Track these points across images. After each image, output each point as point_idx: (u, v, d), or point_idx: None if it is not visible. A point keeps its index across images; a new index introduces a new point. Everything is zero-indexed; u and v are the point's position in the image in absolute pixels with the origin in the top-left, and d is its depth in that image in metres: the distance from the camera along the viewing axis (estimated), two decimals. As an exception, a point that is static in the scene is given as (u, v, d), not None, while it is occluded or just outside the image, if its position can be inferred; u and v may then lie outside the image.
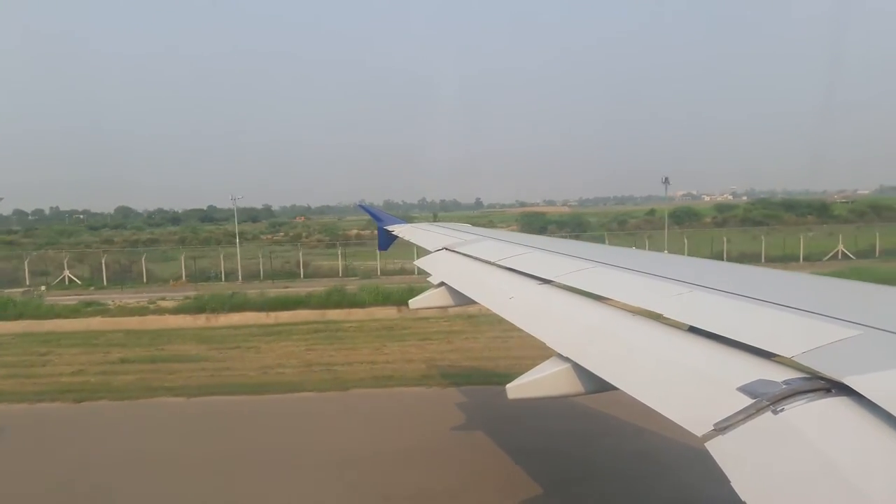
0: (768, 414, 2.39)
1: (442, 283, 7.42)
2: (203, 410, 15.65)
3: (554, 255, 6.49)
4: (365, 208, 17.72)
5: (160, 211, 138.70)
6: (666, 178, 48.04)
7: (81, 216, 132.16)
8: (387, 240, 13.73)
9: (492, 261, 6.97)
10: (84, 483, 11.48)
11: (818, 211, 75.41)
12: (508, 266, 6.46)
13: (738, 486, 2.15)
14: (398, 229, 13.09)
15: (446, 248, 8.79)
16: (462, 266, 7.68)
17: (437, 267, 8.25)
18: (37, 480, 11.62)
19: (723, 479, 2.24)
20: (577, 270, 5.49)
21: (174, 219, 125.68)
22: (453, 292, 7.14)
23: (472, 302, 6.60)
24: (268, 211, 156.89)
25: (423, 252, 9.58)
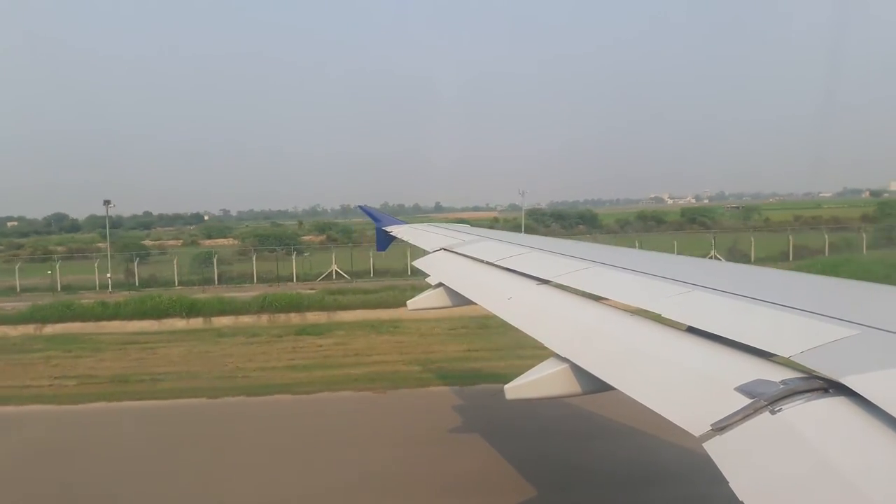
0: (766, 414, 2.39)
1: (440, 284, 7.41)
2: None
3: (553, 256, 6.48)
4: (364, 209, 17.70)
5: (93, 217, 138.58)
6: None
7: (16, 222, 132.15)
8: (385, 240, 13.72)
9: (490, 261, 6.96)
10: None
11: (588, 221, 79.62)
12: (507, 266, 6.45)
13: (736, 486, 2.14)
14: (396, 230, 13.08)
15: (444, 249, 8.78)
16: (460, 267, 7.67)
17: (434, 267, 8.23)
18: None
19: (721, 480, 2.23)
20: (575, 270, 5.48)
21: (77, 226, 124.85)
22: (451, 293, 7.12)
23: (471, 302, 6.59)
24: (209, 217, 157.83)
25: (421, 252, 9.56)
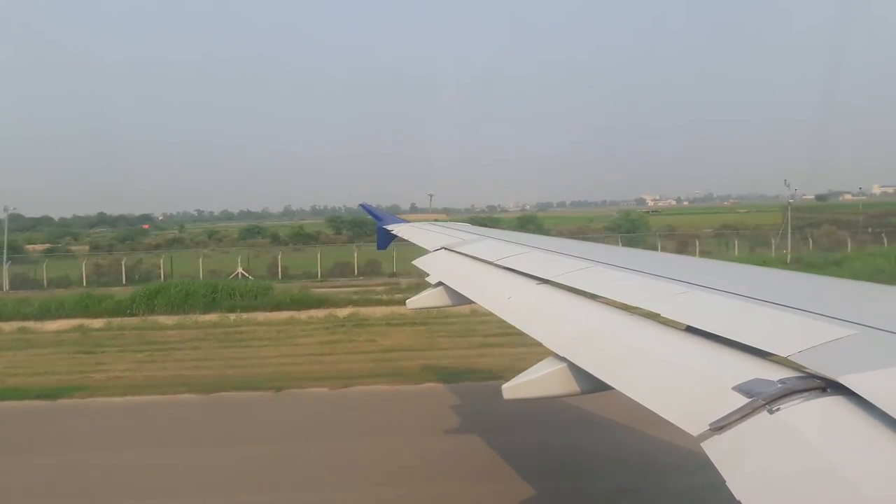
0: (764, 413, 2.38)
1: (440, 283, 7.41)
2: None
3: (553, 255, 6.48)
4: (366, 208, 17.69)
5: (46, 218, 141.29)
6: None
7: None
8: (385, 239, 13.74)
9: (490, 260, 6.96)
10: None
11: None
12: (507, 266, 6.45)
13: (734, 486, 2.14)
14: (397, 228, 13.09)
15: (445, 248, 8.78)
16: (460, 266, 7.67)
17: (435, 266, 8.24)
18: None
19: (718, 479, 2.23)
20: (575, 270, 5.48)
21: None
22: (451, 292, 7.12)
23: (470, 302, 6.59)
24: (165, 218, 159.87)
25: (421, 251, 9.56)
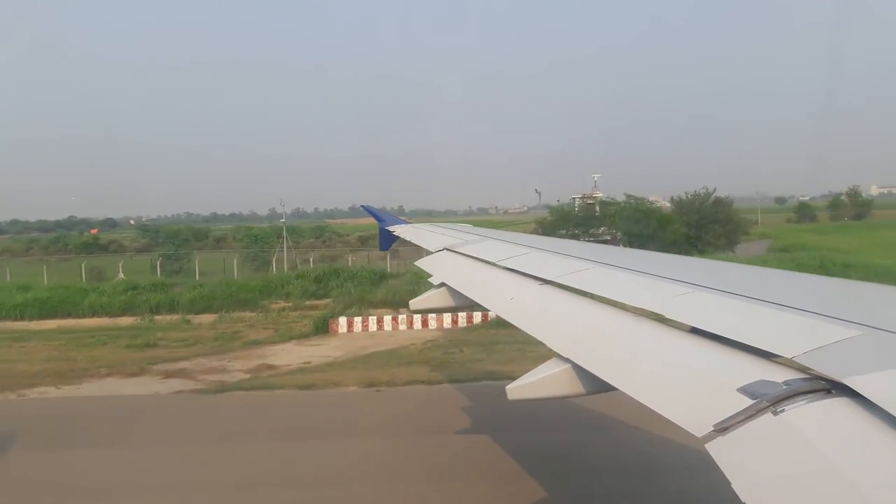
0: (768, 415, 2.39)
1: (442, 284, 7.41)
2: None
3: (555, 256, 6.47)
4: (367, 209, 17.67)
5: (15, 222, 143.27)
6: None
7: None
8: (388, 240, 13.73)
9: (492, 261, 6.95)
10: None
11: (198, 236, 79.72)
12: (509, 266, 6.44)
13: (738, 487, 2.14)
14: (399, 230, 13.07)
15: (447, 249, 8.77)
16: (463, 267, 7.66)
17: (437, 267, 8.23)
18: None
19: (723, 480, 2.23)
20: (577, 271, 5.48)
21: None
22: (454, 293, 7.12)
23: (473, 303, 6.59)
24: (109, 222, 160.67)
25: (424, 252, 9.56)
